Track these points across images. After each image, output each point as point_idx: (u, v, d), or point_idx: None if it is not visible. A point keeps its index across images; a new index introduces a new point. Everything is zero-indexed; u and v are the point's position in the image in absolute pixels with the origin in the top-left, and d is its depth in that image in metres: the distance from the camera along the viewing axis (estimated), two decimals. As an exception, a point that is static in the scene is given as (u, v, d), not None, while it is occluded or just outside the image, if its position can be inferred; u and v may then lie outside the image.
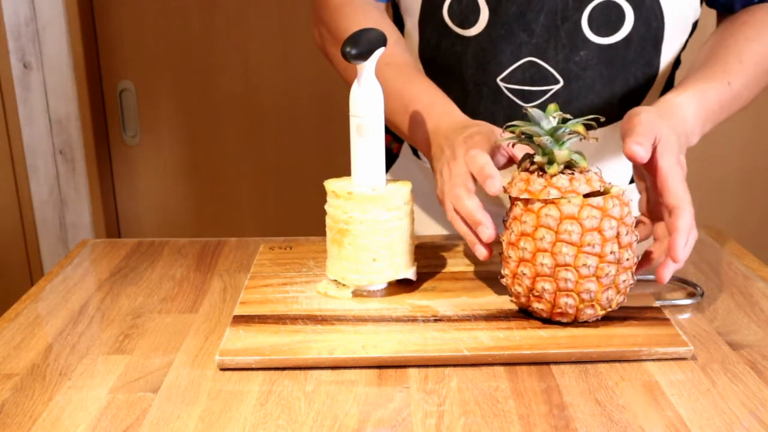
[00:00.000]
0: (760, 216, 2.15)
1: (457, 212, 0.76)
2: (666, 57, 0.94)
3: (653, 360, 0.69)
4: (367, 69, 0.76)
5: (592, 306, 0.71)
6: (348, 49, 0.73)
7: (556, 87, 0.92)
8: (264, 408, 0.63)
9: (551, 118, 0.72)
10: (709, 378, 0.67)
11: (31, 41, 1.93)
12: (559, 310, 0.71)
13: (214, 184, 2.11)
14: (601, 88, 0.93)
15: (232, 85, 2.02)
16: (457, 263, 0.88)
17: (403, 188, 0.79)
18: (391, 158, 1.14)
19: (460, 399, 0.63)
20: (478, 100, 0.95)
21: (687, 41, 0.97)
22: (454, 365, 0.68)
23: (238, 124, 2.05)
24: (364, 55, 0.75)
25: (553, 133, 0.71)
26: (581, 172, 0.72)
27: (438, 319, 0.74)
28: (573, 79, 0.92)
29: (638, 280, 0.82)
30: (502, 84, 0.91)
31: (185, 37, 1.97)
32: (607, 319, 0.74)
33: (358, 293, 0.80)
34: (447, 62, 0.95)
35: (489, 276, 0.84)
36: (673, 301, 0.80)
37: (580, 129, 0.71)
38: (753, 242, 2.11)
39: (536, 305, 0.72)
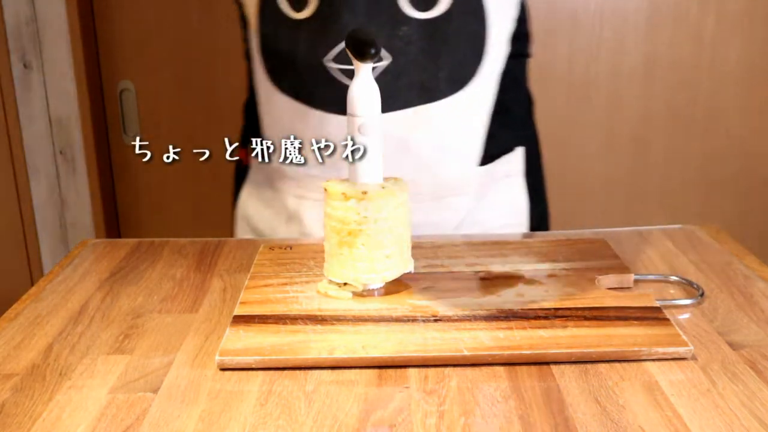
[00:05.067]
0: (760, 216, 2.14)
1: None
2: (496, 30, 0.95)
3: (653, 360, 0.69)
4: (365, 69, 0.77)
5: None
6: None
7: (386, 63, 0.93)
8: (264, 408, 0.63)
9: None
10: (709, 378, 0.66)
11: (31, 41, 1.93)
12: None
13: (214, 184, 2.11)
14: (427, 62, 0.94)
15: (232, 86, 2.02)
16: (457, 263, 0.88)
17: (401, 182, 0.80)
18: (242, 171, 1.15)
19: (460, 399, 0.63)
20: (313, 83, 0.96)
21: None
22: (454, 365, 0.68)
23: (238, 124, 2.05)
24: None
25: None
26: None
27: (438, 319, 0.74)
28: (399, 54, 0.93)
29: (638, 280, 0.82)
30: (332, 65, 0.92)
31: (185, 37, 1.97)
32: (607, 319, 0.74)
33: (358, 293, 0.80)
34: (284, 49, 0.95)
35: (489, 276, 0.84)
36: (673, 301, 0.80)
37: None
38: (753, 242, 2.11)
39: None
